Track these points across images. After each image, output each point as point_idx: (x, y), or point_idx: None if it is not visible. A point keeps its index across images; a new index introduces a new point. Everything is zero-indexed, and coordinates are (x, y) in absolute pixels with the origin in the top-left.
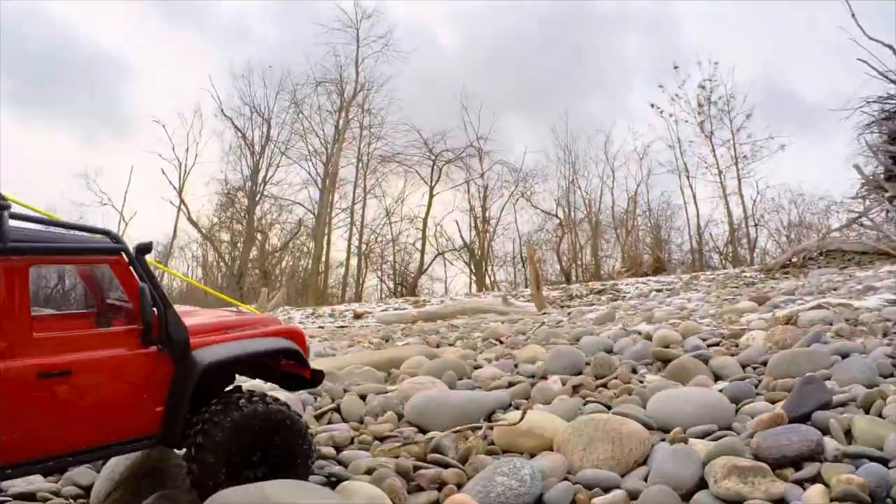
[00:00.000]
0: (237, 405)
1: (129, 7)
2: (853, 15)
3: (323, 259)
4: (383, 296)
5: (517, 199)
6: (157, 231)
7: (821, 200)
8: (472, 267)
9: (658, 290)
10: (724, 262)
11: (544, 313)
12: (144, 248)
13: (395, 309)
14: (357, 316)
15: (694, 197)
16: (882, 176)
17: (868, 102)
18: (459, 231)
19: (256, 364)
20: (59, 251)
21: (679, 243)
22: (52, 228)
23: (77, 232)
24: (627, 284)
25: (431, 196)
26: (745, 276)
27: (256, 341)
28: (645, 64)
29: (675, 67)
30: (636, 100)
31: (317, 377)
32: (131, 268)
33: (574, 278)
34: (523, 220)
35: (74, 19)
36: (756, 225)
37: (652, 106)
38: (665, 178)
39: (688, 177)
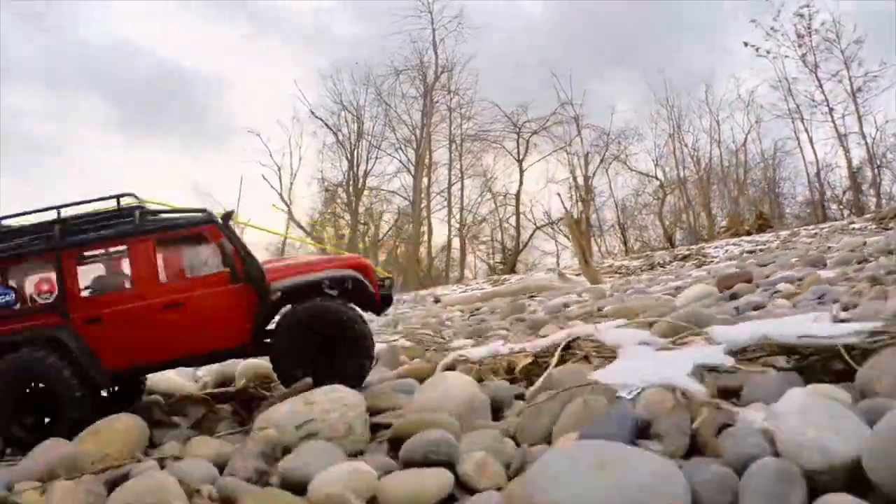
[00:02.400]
0: (295, 310)
1: (213, 25)
2: None
3: (424, 243)
4: (486, 275)
5: (610, 163)
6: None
7: None
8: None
9: (749, 252)
10: (842, 211)
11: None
12: (227, 216)
13: (474, 290)
14: (436, 300)
15: (811, 140)
16: None
17: None
18: (562, 202)
19: (337, 289)
20: (171, 228)
21: (793, 195)
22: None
23: (185, 214)
24: (717, 248)
25: (521, 171)
26: (853, 229)
27: (320, 273)
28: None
29: None
30: (734, 42)
31: (386, 303)
32: (220, 231)
33: (677, 242)
34: (618, 185)
35: (164, 47)
36: (879, 167)
37: (746, 45)
38: (775, 125)
39: (801, 119)
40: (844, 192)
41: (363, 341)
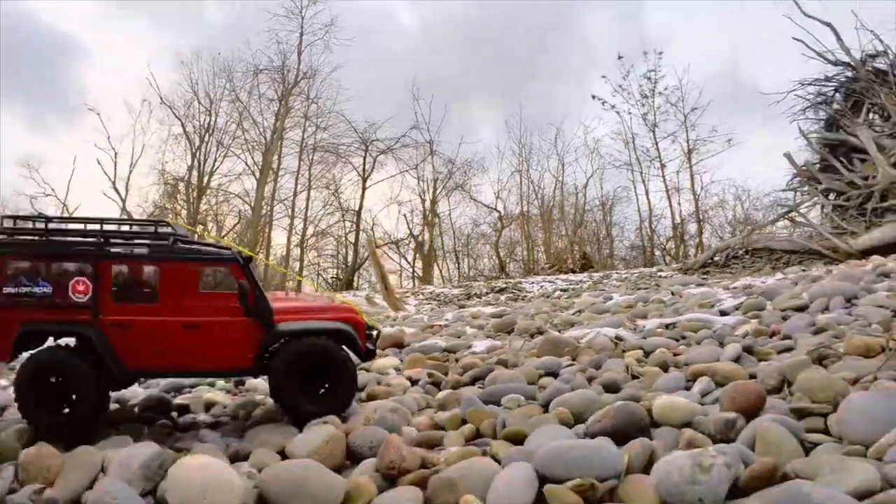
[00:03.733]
0: (292, 345)
1: None
2: None
3: (262, 252)
4: (321, 290)
5: (452, 191)
6: None
7: (766, 196)
8: (413, 260)
9: (563, 290)
10: (664, 258)
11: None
12: (248, 259)
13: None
14: None
15: (646, 191)
16: (817, 166)
17: (803, 85)
18: (408, 223)
19: (334, 339)
20: (200, 259)
21: (621, 238)
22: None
23: (213, 248)
24: (533, 283)
25: (364, 188)
26: (661, 276)
27: (320, 322)
28: (611, 53)
29: (620, 58)
30: (597, 90)
31: (371, 354)
32: (241, 270)
33: (508, 273)
34: (458, 213)
35: None
36: (700, 221)
37: (594, 97)
38: (615, 173)
39: (640, 171)
40: (668, 241)
41: (351, 379)
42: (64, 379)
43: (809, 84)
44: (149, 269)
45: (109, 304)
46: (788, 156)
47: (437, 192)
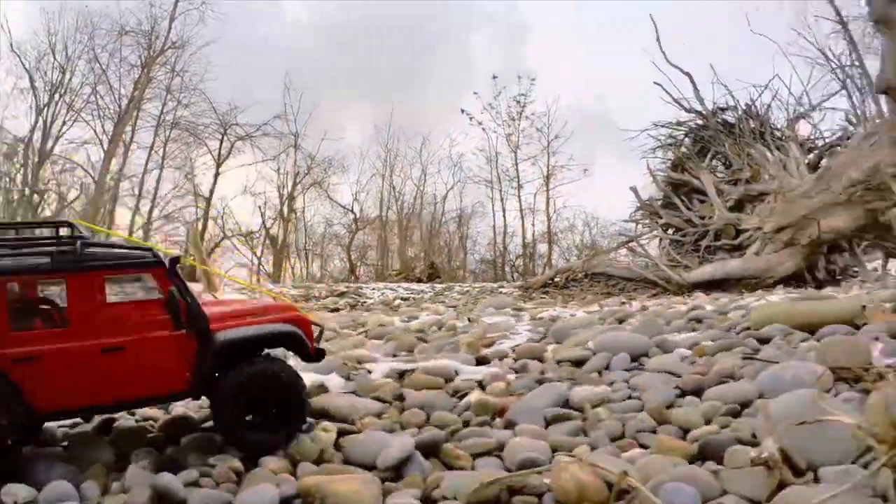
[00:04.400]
0: (242, 369)
1: None
2: (658, 38)
3: (105, 231)
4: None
5: (308, 188)
6: None
7: (612, 225)
8: (260, 255)
9: (404, 299)
10: (513, 274)
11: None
12: (175, 260)
13: None
14: None
15: (504, 210)
16: (659, 202)
17: (657, 126)
18: (262, 216)
19: (279, 345)
20: (118, 267)
21: (473, 252)
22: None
23: (129, 249)
24: (374, 289)
25: (217, 173)
26: (501, 292)
27: (264, 326)
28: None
29: (494, 77)
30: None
31: (319, 355)
32: (166, 276)
33: (359, 276)
34: (312, 211)
35: None
36: (550, 242)
37: (462, 111)
38: (475, 188)
39: (499, 190)
40: (517, 259)
41: (302, 407)
42: None
43: (662, 126)
44: (53, 287)
45: (7, 334)
46: (634, 189)
47: (296, 186)
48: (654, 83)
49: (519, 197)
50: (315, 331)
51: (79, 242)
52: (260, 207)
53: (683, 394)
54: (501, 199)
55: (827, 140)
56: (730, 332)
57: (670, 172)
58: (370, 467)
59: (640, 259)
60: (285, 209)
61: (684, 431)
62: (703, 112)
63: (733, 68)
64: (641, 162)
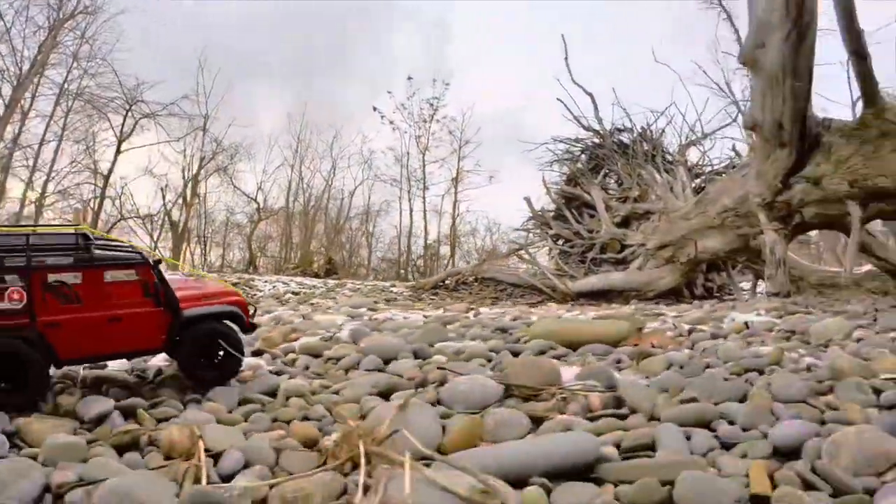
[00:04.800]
0: (191, 330)
1: None
2: (566, 58)
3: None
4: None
5: (211, 174)
6: None
7: (513, 232)
8: (157, 239)
9: (295, 293)
10: (413, 274)
11: None
12: (158, 261)
13: None
14: None
15: (411, 210)
16: (552, 214)
17: (556, 141)
18: (164, 199)
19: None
20: (117, 265)
21: (377, 250)
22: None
23: (126, 251)
24: (267, 282)
25: (119, 151)
26: (392, 291)
27: (215, 307)
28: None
29: (409, 78)
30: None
31: (253, 327)
32: (151, 271)
33: (258, 268)
34: (214, 198)
35: None
36: (452, 245)
37: (374, 109)
38: (384, 187)
39: (408, 190)
40: (418, 259)
41: (240, 353)
42: (21, 366)
43: (561, 141)
44: (74, 275)
45: (43, 307)
46: (527, 200)
47: (201, 171)
48: (557, 99)
49: (423, 198)
50: (251, 310)
51: (93, 248)
52: (161, 189)
53: (381, 394)
54: (409, 199)
55: (714, 167)
56: (517, 342)
57: (564, 186)
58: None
59: (529, 267)
60: (188, 193)
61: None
62: (601, 131)
63: (641, 91)
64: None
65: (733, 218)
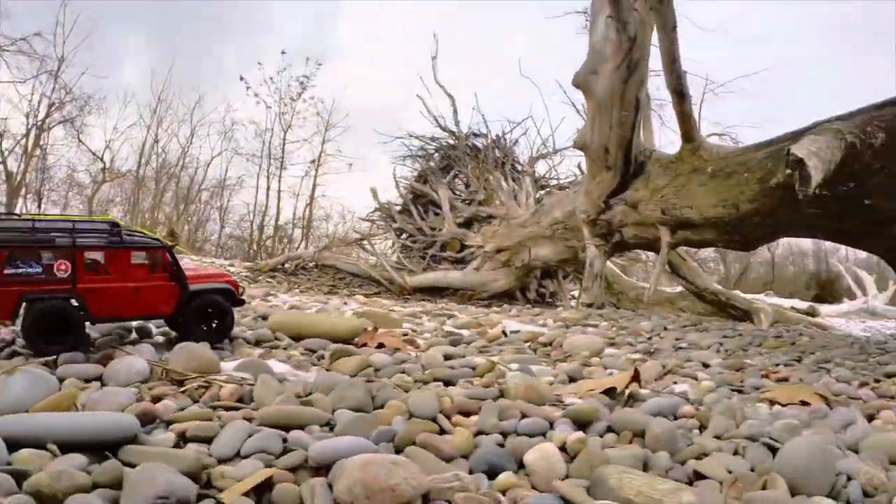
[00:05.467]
0: (195, 301)
1: None
2: (434, 57)
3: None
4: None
5: (56, 125)
6: None
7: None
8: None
9: None
10: (260, 253)
11: None
12: (172, 246)
13: None
14: None
15: (268, 189)
16: (398, 208)
17: (411, 136)
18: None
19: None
20: (142, 248)
21: (228, 225)
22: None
23: (147, 238)
24: None
25: None
26: (230, 269)
27: (215, 284)
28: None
29: (283, 52)
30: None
31: (241, 302)
32: (167, 253)
33: None
34: (56, 151)
35: None
36: (305, 228)
37: (241, 78)
38: (242, 161)
39: (268, 168)
40: (268, 239)
41: (230, 319)
42: (63, 319)
43: (417, 137)
44: (108, 254)
45: (83, 277)
46: (374, 190)
47: (46, 120)
48: (417, 96)
49: (280, 178)
50: (240, 289)
51: (122, 234)
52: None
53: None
54: (268, 177)
55: (560, 181)
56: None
57: (414, 182)
58: None
59: (370, 258)
60: (30, 143)
61: None
62: (457, 133)
63: (507, 101)
64: (400, 166)
65: (563, 230)
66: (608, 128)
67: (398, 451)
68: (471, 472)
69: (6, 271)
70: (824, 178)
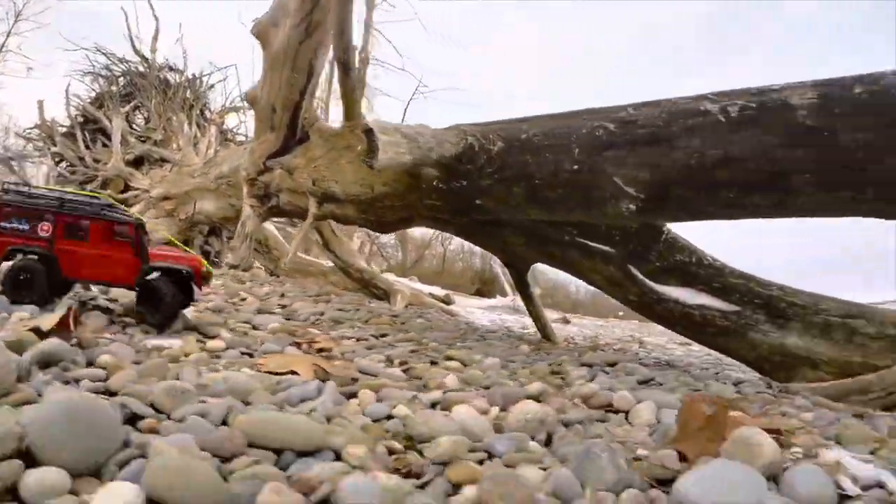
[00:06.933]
0: (158, 276)
1: None
2: None
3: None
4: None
5: None
6: None
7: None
8: None
9: None
10: None
11: None
12: (141, 224)
13: None
14: None
15: None
16: (62, 129)
17: (98, 51)
18: None
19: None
20: (116, 221)
21: None
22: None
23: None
24: None
25: None
26: None
27: (175, 263)
28: None
29: None
30: None
31: (200, 287)
32: (135, 229)
33: None
34: None
35: None
36: None
37: None
38: None
39: None
40: None
41: (190, 295)
42: (31, 276)
43: (104, 54)
44: (85, 222)
45: (61, 239)
46: (41, 104)
47: None
48: (121, 8)
49: None
50: (205, 273)
51: (100, 206)
52: None
53: None
54: None
55: (248, 139)
56: None
57: (87, 104)
58: None
59: (13, 180)
60: None
61: None
62: (150, 61)
63: (229, 46)
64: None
65: (227, 186)
66: (278, 87)
67: None
68: None
69: (3, 223)
70: (414, 162)
